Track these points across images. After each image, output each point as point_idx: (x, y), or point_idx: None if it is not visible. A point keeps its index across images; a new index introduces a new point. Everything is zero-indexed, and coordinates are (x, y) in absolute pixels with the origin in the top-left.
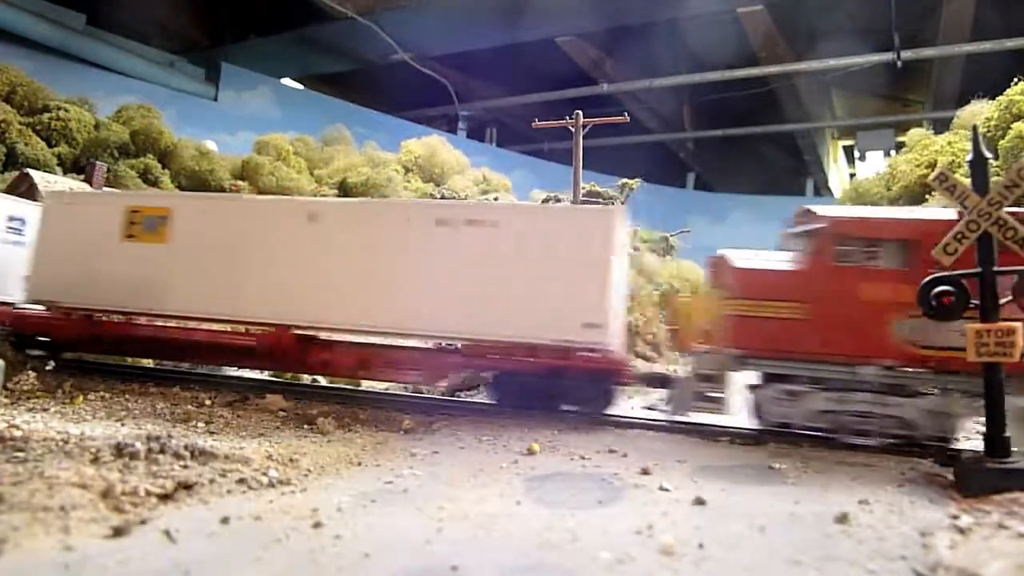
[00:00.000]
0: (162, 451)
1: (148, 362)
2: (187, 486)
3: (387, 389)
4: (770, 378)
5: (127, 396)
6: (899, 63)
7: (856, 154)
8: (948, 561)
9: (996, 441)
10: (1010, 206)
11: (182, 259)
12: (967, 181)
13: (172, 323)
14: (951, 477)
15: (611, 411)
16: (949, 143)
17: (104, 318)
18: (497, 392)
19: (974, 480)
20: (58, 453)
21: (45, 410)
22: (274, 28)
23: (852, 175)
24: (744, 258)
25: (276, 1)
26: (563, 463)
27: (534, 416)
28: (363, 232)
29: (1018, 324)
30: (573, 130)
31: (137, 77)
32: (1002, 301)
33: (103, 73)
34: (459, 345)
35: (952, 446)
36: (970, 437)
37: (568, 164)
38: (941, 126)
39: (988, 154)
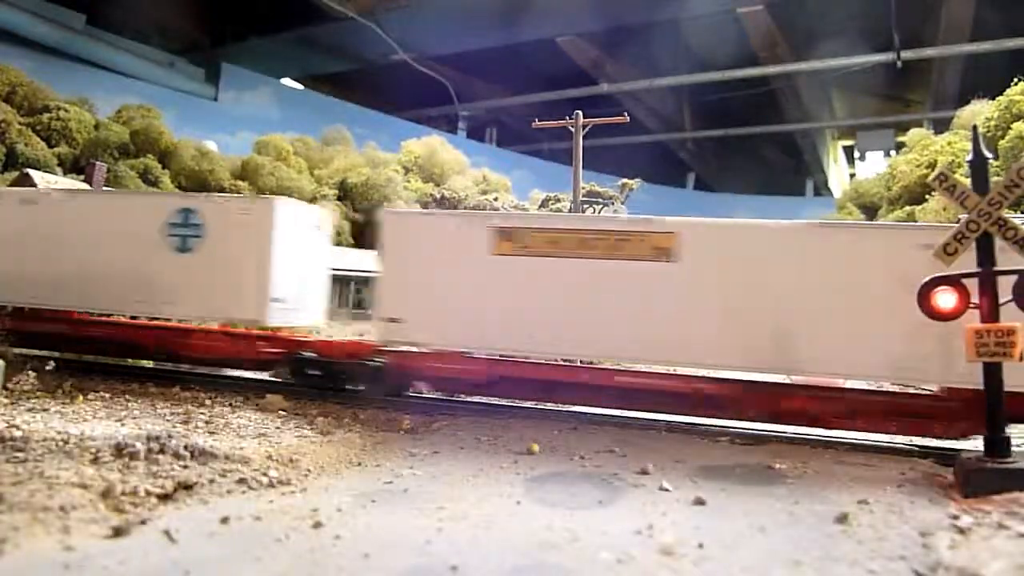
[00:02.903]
0: (162, 451)
1: (147, 363)
2: (187, 486)
3: None
4: None
5: (127, 396)
6: (899, 63)
7: (856, 154)
8: (948, 561)
9: (996, 441)
10: (1010, 206)
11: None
12: (967, 181)
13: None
14: (951, 477)
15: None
16: (949, 143)
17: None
18: None
19: (974, 480)
20: (58, 453)
21: (45, 410)
22: (274, 28)
23: (852, 175)
24: None
25: (276, 1)
26: (563, 463)
27: (534, 416)
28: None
29: (1018, 324)
30: (573, 130)
31: (137, 77)
32: (1002, 301)
33: (103, 73)
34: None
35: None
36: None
37: (568, 164)
38: (941, 126)
39: (988, 154)
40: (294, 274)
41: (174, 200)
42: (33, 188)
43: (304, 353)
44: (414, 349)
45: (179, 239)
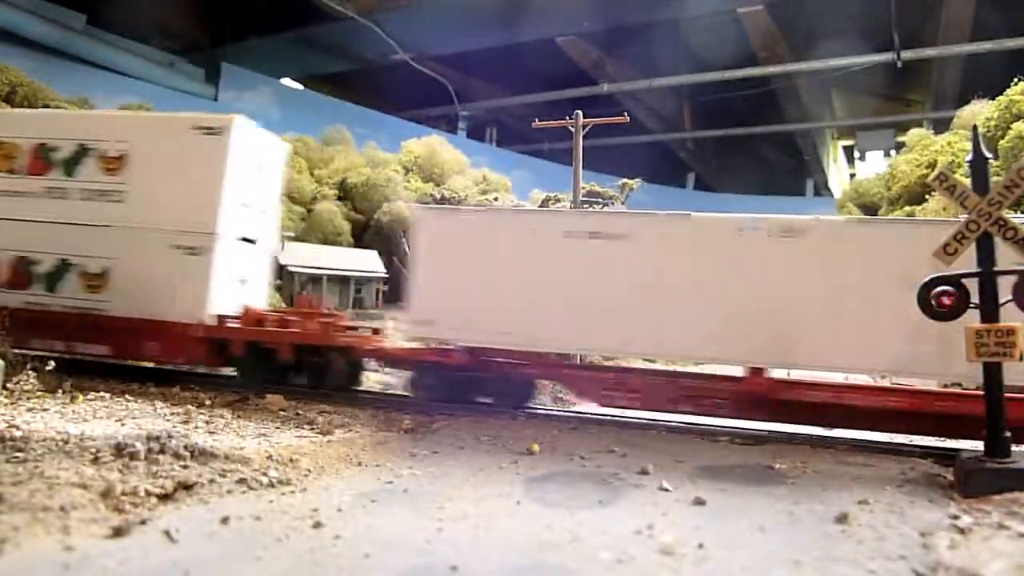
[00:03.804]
0: (162, 451)
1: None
2: (187, 486)
3: (386, 389)
4: None
5: (127, 396)
6: (899, 63)
7: (856, 154)
8: (948, 561)
9: (996, 441)
10: (1010, 206)
11: None
12: (967, 181)
13: None
14: (951, 477)
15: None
16: (949, 143)
17: None
18: None
19: (974, 480)
20: (58, 453)
21: (45, 410)
22: (274, 28)
23: (852, 175)
24: None
25: (276, 1)
26: (563, 463)
27: (533, 416)
28: None
29: (1018, 324)
30: (573, 130)
31: (137, 77)
32: (1002, 301)
33: (103, 73)
34: None
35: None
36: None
37: (568, 164)
38: (941, 126)
39: (988, 154)
40: None
41: None
42: (805, 217)
43: None
44: None
45: None
